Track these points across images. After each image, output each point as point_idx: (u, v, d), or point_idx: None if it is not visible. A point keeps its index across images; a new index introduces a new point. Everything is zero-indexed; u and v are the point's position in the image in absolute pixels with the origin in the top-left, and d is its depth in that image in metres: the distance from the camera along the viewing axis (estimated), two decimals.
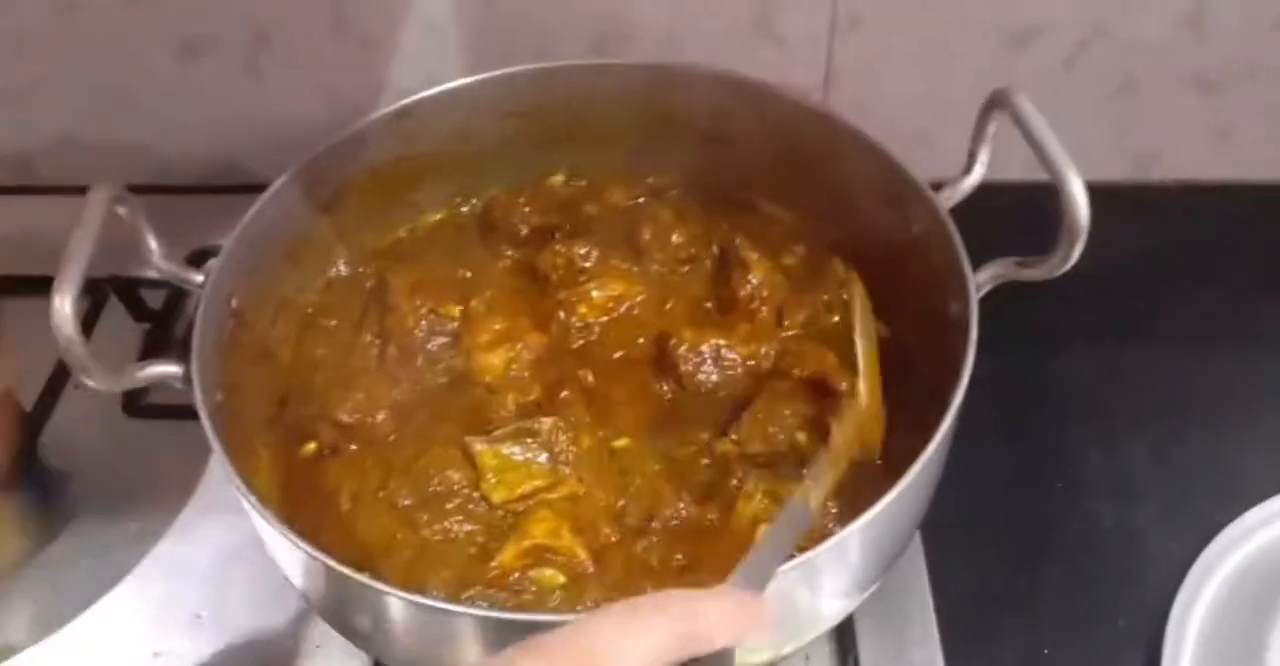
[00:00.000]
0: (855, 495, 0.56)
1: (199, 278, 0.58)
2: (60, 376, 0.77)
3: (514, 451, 0.58)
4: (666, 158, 0.73)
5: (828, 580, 0.50)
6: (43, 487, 0.74)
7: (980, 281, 0.56)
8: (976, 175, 0.60)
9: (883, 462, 0.58)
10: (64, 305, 0.48)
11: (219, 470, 0.51)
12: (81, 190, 0.54)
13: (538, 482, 0.58)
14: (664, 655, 0.33)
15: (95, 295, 0.80)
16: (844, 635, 0.60)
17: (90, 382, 0.51)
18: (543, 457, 0.58)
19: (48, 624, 0.65)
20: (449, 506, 0.57)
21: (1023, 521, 0.68)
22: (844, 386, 0.61)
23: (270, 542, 0.52)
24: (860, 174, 0.65)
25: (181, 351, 0.55)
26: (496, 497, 0.57)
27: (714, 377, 0.63)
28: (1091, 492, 0.70)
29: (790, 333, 0.65)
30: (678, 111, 0.70)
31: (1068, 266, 0.53)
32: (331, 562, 0.47)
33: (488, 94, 0.68)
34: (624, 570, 0.55)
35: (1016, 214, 0.67)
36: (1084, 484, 0.71)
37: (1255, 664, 0.60)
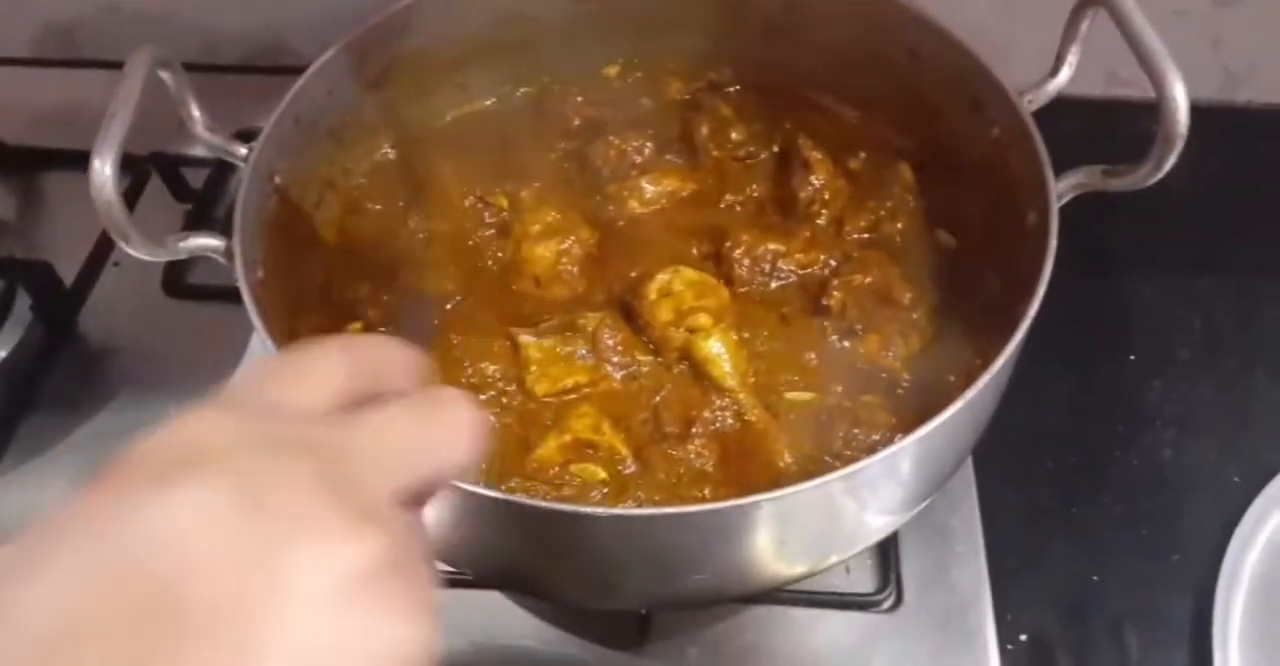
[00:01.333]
0: (913, 409, 0.54)
1: (243, 150, 0.55)
2: (101, 252, 0.76)
3: (558, 345, 0.57)
4: (730, 50, 0.69)
5: (876, 493, 0.48)
6: (82, 363, 0.73)
7: (1061, 190, 0.52)
8: (1063, 77, 0.56)
9: (933, 373, 0.56)
10: (104, 167, 0.46)
11: (259, 349, 0.49)
12: (123, 65, 0.51)
13: (579, 378, 0.56)
14: (343, 379, 0.32)
15: (137, 173, 0.79)
16: (887, 551, 0.58)
17: (131, 250, 0.49)
18: (586, 352, 0.57)
19: None
20: (484, 398, 0.56)
21: (1079, 448, 0.66)
22: (906, 298, 0.58)
23: None
24: (937, 73, 0.61)
25: (224, 230, 0.53)
26: (540, 390, 0.56)
27: (770, 285, 0.61)
28: (1151, 423, 0.68)
29: (851, 238, 0.63)
30: None
31: (1160, 175, 0.49)
32: None
33: None
34: (667, 472, 0.53)
35: (1090, 133, 0.63)
36: (1144, 414, 0.68)
37: None
